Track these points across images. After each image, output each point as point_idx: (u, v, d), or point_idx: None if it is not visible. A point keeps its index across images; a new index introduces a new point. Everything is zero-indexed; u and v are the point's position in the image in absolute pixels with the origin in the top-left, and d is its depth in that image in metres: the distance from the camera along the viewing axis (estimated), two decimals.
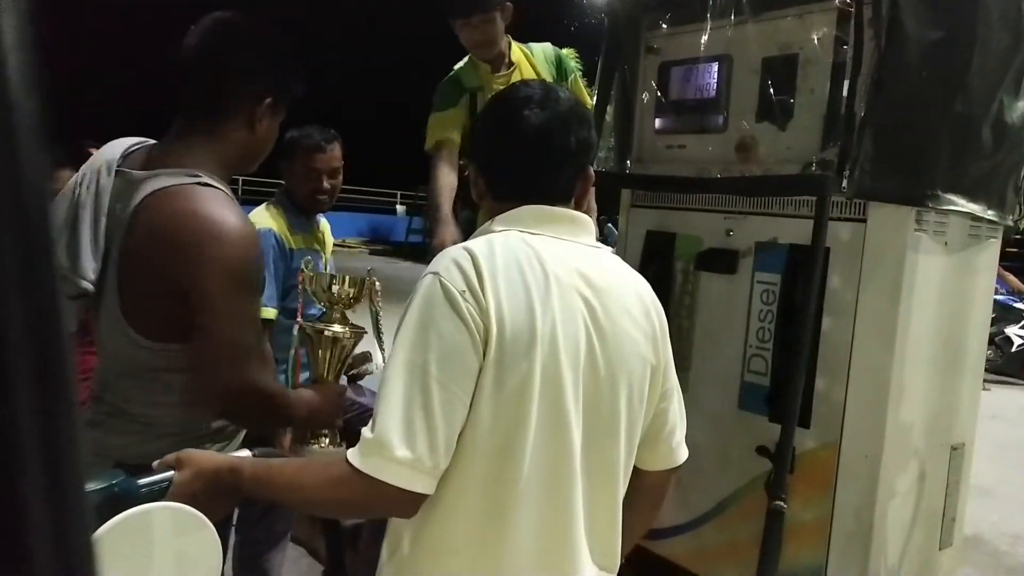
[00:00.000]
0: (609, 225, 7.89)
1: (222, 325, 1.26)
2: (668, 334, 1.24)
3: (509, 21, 2.72)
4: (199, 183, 1.30)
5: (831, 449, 2.02)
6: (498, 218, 1.16)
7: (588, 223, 1.21)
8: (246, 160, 1.47)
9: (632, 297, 1.18)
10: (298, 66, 1.48)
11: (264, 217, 2.45)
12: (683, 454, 1.32)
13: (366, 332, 1.62)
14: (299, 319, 1.71)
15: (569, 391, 1.08)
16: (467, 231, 2.10)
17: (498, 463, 1.06)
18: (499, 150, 1.20)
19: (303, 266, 1.62)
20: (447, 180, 2.36)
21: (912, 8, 1.89)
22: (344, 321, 1.60)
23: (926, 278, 2.04)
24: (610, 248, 1.33)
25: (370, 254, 19.81)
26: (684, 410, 1.30)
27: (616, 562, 1.19)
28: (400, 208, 25.04)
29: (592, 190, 1.55)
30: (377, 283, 1.63)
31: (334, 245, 2.85)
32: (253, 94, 1.39)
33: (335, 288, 1.58)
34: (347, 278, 1.60)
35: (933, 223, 2.05)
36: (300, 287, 1.64)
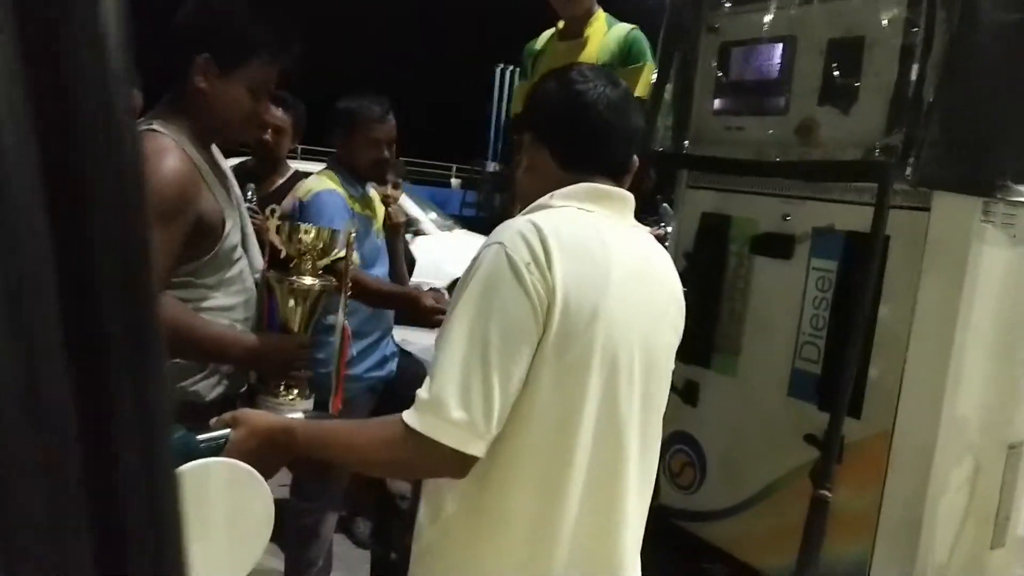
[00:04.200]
0: (665, 205, 7.80)
1: None
2: None
3: None
4: (147, 130, 1.44)
5: (882, 439, 1.98)
6: (555, 193, 1.18)
7: (632, 203, 1.24)
8: (211, 122, 1.53)
9: (672, 278, 1.23)
10: (257, 29, 1.51)
11: (326, 181, 2.48)
12: None
13: (333, 283, 1.59)
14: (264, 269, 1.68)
15: (623, 367, 1.11)
16: None
17: (556, 433, 1.09)
18: (574, 120, 1.22)
19: (267, 213, 1.60)
20: None
21: None
22: (314, 272, 1.57)
23: (991, 271, 1.98)
24: (660, 230, 1.35)
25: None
26: None
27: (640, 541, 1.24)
28: (455, 181, 25.07)
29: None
30: (352, 233, 1.62)
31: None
32: (187, 54, 1.49)
33: (303, 238, 1.56)
34: (317, 229, 1.58)
35: (1001, 215, 1.98)
36: (267, 236, 1.63)
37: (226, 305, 1.61)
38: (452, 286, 2.56)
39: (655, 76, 2.60)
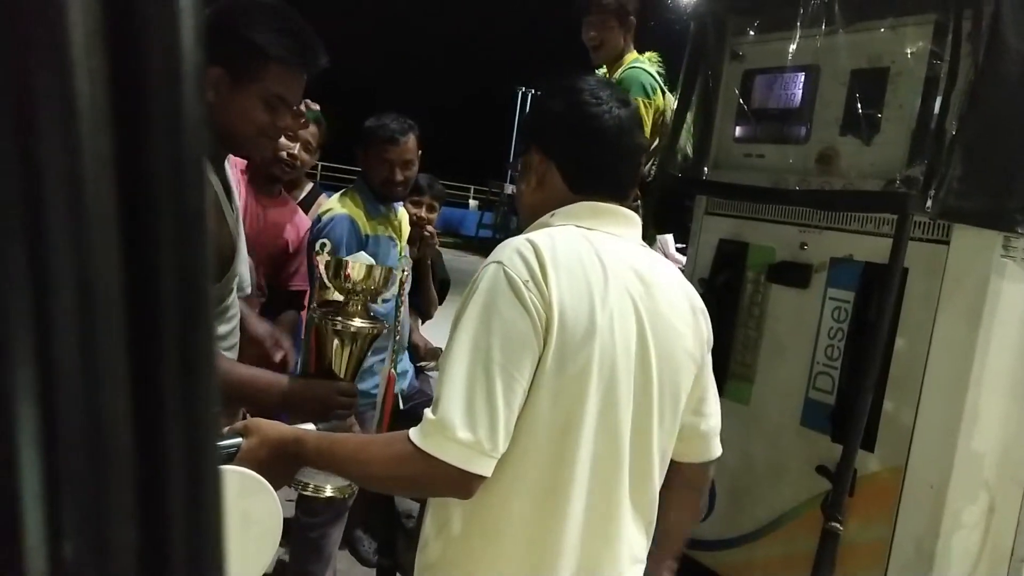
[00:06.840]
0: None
1: None
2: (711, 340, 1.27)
3: (630, 33, 2.74)
4: None
5: (895, 474, 1.96)
6: (556, 212, 1.19)
7: (637, 220, 1.25)
8: (221, 136, 1.43)
9: (678, 294, 1.21)
10: (270, 38, 1.39)
11: (345, 204, 2.50)
12: (717, 449, 1.33)
13: (386, 328, 1.44)
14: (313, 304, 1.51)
15: (622, 380, 1.12)
16: None
17: (556, 447, 1.09)
18: (589, 144, 1.21)
19: (318, 248, 1.45)
20: None
21: (1014, 23, 1.82)
22: (364, 313, 1.41)
23: (1010, 306, 1.96)
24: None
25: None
26: (719, 407, 1.32)
27: (644, 555, 1.22)
28: (473, 202, 25.25)
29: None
30: (407, 273, 1.44)
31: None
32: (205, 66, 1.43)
33: (352, 275, 1.39)
34: (369, 267, 1.40)
35: (1022, 249, 1.97)
36: (317, 271, 1.47)
37: (221, 333, 1.52)
38: None
39: (653, 110, 2.62)
